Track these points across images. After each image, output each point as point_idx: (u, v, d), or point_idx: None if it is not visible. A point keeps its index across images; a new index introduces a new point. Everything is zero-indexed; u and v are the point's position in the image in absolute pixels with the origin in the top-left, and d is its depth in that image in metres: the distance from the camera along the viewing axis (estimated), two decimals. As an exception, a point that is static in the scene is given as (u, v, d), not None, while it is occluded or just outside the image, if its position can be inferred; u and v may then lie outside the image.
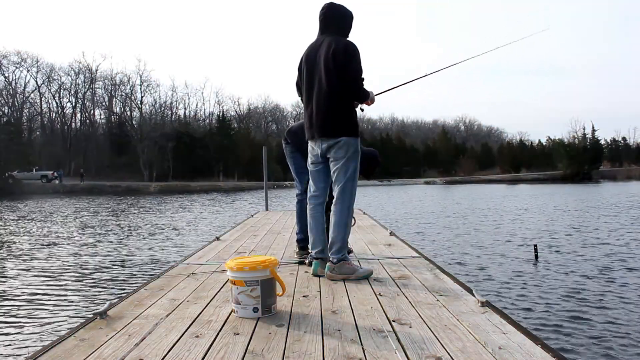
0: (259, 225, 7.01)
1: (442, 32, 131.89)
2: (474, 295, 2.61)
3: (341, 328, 2.16)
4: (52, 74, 62.81)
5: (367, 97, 3.20)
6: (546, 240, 9.65)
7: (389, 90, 3.81)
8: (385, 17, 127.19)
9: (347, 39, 3.25)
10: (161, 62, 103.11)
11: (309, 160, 3.39)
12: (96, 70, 64.83)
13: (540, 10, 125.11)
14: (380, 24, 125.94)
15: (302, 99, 3.42)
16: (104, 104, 66.83)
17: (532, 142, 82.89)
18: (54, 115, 65.58)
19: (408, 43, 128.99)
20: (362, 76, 3.15)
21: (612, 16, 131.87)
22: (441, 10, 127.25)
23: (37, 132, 63.50)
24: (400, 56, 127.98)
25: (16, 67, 59.87)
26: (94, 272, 7.24)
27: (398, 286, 2.94)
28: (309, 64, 3.26)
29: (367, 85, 3.19)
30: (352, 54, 3.11)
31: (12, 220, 16.62)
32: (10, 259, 8.62)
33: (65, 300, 5.64)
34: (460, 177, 63.01)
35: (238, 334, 2.12)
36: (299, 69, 3.37)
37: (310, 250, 3.45)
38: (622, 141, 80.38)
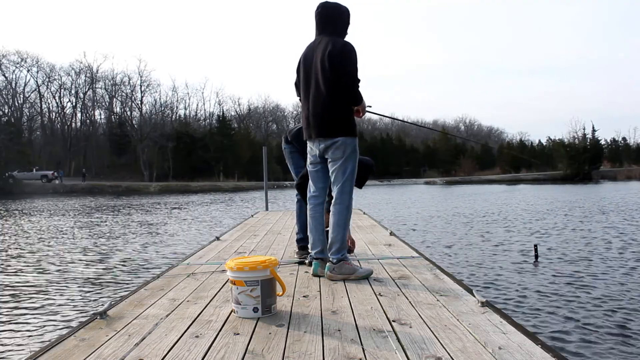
0: (259, 225, 7.02)
1: (442, 32, 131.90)
2: (474, 296, 2.61)
3: (341, 328, 2.16)
4: (53, 74, 62.92)
5: (360, 101, 3.19)
6: (546, 240, 9.64)
7: (379, 114, 3.91)
8: (383, 16, 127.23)
9: (345, 38, 3.25)
10: (161, 62, 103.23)
11: (308, 161, 3.39)
12: (97, 70, 64.96)
13: (540, 10, 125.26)
14: (379, 23, 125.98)
15: (300, 100, 3.43)
16: (104, 104, 66.92)
17: (532, 142, 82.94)
18: (54, 115, 65.68)
19: (408, 43, 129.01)
20: (359, 77, 3.15)
21: (612, 16, 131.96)
22: (441, 10, 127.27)
23: (37, 132, 63.50)
24: (400, 56, 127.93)
25: (16, 67, 59.94)
26: (94, 272, 7.24)
27: (398, 286, 2.94)
28: (306, 65, 3.26)
29: (364, 86, 3.20)
30: (348, 55, 3.10)
31: (12, 220, 16.63)
32: (10, 259, 8.62)
33: (65, 300, 5.64)
34: (460, 177, 62.95)
35: (238, 334, 2.12)
36: (297, 70, 3.37)
37: (310, 251, 3.45)
38: (622, 141, 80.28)
